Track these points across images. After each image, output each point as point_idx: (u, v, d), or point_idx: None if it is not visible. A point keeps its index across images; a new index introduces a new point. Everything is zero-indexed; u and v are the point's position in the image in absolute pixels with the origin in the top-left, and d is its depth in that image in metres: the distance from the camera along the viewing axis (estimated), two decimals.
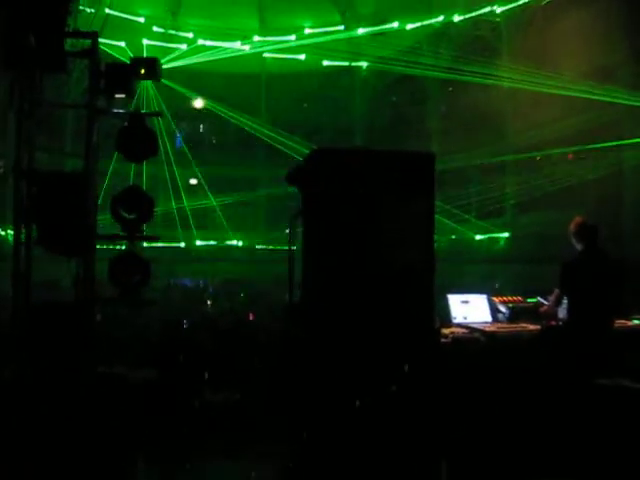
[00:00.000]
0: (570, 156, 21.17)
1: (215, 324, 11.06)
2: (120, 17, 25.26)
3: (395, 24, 25.56)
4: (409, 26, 25.35)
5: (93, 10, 20.60)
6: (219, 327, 10.26)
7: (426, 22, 25.14)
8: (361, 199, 5.12)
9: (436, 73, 24.23)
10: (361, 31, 26.36)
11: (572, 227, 6.51)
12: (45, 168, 6.96)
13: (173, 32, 27.52)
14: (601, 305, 6.24)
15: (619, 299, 6.48)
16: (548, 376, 5.84)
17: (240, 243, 28.96)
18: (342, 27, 27.05)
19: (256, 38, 27.38)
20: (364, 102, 30.58)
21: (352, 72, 29.30)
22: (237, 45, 26.83)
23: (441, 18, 24.83)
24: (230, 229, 28.51)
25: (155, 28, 27.13)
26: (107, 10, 23.58)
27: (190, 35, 27.33)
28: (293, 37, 27.01)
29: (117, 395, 6.36)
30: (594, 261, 6.39)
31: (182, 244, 28.49)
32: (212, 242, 28.98)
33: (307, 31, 26.96)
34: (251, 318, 8.91)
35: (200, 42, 26.94)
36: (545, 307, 6.72)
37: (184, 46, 27.18)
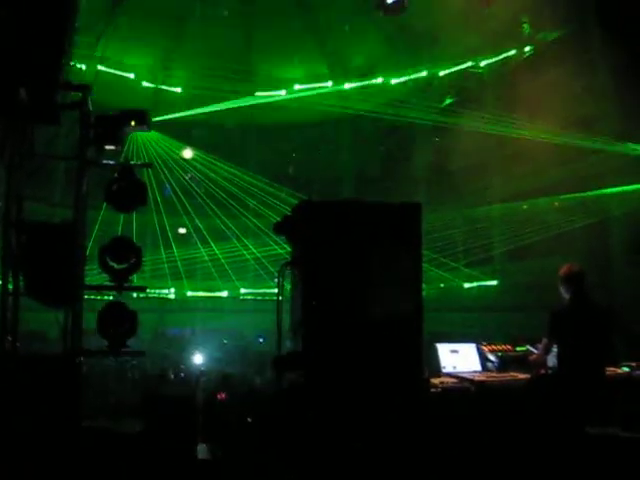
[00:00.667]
0: (556, 204, 21.38)
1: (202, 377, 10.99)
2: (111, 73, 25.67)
3: (380, 79, 26.14)
4: (393, 81, 25.90)
5: (84, 66, 20.88)
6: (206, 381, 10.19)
7: (413, 76, 25.66)
8: (349, 249, 5.16)
9: (424, 121, 24.64)
10: (348, 86, 27.00)
11: (560, 275, 6.55)
12: (34, 218, 6.97)
13: (163, 87, 27.87)
14: (591, 353, 6.24)
15: (609, 347, 6.49)
16: (539, 426, 5.81)
17: (226, 293, 28.92)
18: (330, 83, 27.57)
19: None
20: (352, 152, 30.96)
21: (340, 123, 29.70)
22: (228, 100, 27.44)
23: (424, 73, 25.37)
24: (219, 279, 28.49)
25: (145, 83, 27.54)
26: (99, 67, 23.92)
27: (179, 90, 27.75)
28: (283, 92, 27.50)
29: (102, 448, 6.26)
30: (583, 309, 6.41)
31: (172, 295, 28.41)
32: (202, 293, 28.93)
33: (297, 87, 27.47)
34: (221, 398, 8.67)
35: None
36: (534, 356, 6.72)
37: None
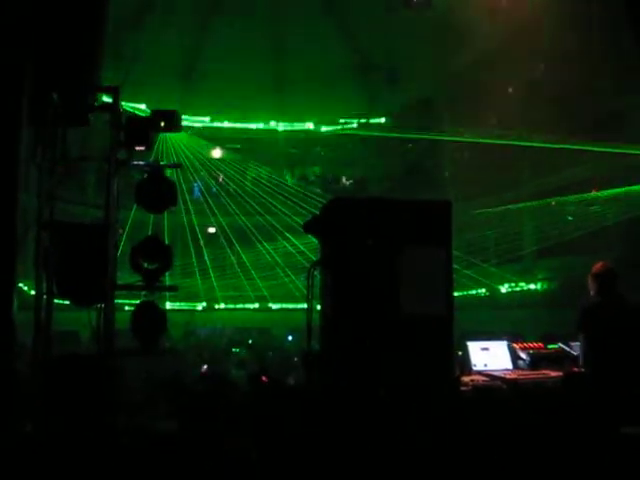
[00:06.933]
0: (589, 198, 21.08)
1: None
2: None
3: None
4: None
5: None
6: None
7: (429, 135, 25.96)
8: (378, 248, 5.14)
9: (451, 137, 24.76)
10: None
11: (591, 272, 6.45)
12: (66, 219, 7.06)
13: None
14: (618, 350, 6.12)
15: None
16: (573, 424, 5.73)
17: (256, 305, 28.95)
18: (355, 124, 28.41)
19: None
20: (380, 150, 30.92)
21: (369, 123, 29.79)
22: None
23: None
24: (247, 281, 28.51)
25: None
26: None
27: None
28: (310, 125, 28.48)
29: (137, 447, 6.30)
30: (609, 305, 6.30)
31: (203, 304, 28.64)
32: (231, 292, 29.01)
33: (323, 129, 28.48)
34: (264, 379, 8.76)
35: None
36: None
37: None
